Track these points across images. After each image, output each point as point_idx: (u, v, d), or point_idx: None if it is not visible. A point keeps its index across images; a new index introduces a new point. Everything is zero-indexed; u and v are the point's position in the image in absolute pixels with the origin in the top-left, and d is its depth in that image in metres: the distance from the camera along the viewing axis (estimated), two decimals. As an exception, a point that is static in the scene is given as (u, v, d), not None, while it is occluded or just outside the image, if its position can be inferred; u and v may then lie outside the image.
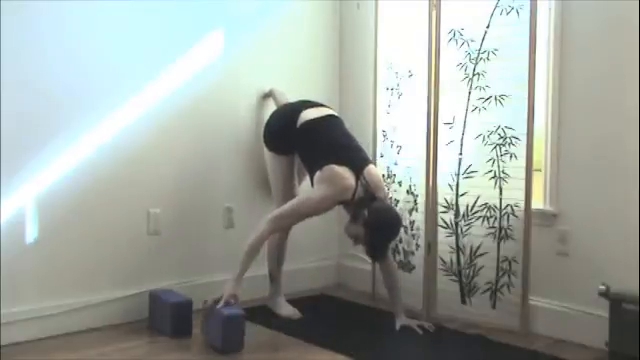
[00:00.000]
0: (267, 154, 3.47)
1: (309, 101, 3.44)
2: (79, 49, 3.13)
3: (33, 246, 3.02)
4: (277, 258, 3.53)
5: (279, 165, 3.42)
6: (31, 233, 3.02)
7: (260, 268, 3.78)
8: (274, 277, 3.55)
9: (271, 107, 3.73)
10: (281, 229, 3.22)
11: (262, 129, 3.53)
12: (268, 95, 3.81)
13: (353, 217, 3.11)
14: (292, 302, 3.55)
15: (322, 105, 3.41)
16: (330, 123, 3.32)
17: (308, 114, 3.29)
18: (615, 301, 2.79)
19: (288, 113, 3.39)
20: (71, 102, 3.11)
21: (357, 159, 3.15)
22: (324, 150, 3.17)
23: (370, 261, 3.62)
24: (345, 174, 3.05)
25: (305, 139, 3.27)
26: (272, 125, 3.45)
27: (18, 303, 2.96)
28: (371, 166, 3.17)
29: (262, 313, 3.47)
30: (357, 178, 3.06)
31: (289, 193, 3.43)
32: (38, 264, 3.04)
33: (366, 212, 3.04)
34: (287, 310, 3.47)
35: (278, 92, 3.77)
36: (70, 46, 3.10)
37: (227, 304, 2.92)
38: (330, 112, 3.37)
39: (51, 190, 3.05)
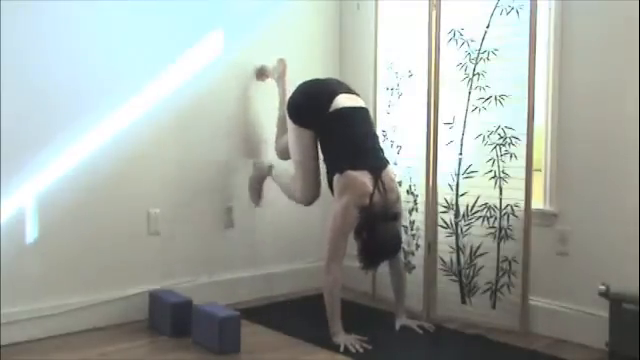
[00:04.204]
0: (290, 126, 3.33)
1: (342, 83, 3.36)
2: (79, 49, 3.13)
3: (33, 246, 3.02)
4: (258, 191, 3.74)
5: (303, 138, 3.29)
6: (31, 233, 3.02)
7: (259, 268, 3.80)
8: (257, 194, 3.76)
9: (271, 101, 3.72)
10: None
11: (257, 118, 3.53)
12: (262, 73, 3.76)
13: (356, 232, 3.04)
14: (292, 302, 3.55)
15: (354, 92, 3.32)
16: (361, 117, 3.22)
17: (343, 101, 3.19)
18: (615, 301, 2.79)
19: (322, 93, 3.24)
20: (71, 102, 3.11)
21: (377, 162, 3.13)
22: (348, 148, 3.12)
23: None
24: (363, 179, 3.02)
25: (333, 126, 3.18)
26: (301, 100, 3.30)
27: (18, 303, 2.96)
28: (388, 168, 3.15)
29: (262, 313, 3.47)
30: (375, 182, 3.04)
31: (312, 168, 3.33)
32: (38, 264, 3.04)
33: (365, 234, 3.00)
34: None
35: (270, 67, 3.75)
36: (70, 46, 3.10)
37: (361, 348, 2.94)
38: (362, 104, 3.27)
39: (51, 190, 3.05)
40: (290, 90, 3.47)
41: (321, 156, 3.31)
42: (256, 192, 3.75)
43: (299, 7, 4.01)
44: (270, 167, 3.66)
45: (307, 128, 3.28)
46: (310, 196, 3.39)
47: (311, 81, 3.41)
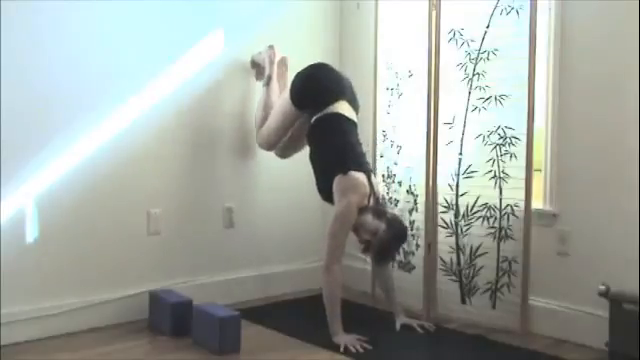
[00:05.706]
0: (285, 98, 3.41)
1: (351, 88, 3.39)
2: (78, 49, 3.13)
3: (33, 246, 3.02)
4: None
5: (290, 115, 3.39)
6: (31, 233, 3.02)
7: (259, 268, 3.80)
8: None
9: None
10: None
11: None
12: (259, 72, 3.76)
13: (376, 214, 3.10)
14: (292, 302, 3.55)
15: (355, 103, 3.38)
16: (350, 129, 3.29)
17: (342, 108, 3.27)
18: (615, 301, 2.79)
19: (330, 90, 3.30)
20: (71, 102, 3.11)
21: (368, 166, 3.25)
22: (347, 150, 3.19)
23: (369, 261, 3.62)
24: (364, 181, 3.11)
25: (327, 127, 3.26)
26: (305, 88, 3.34)
27: (18, 303, 2.96)
28: (371, 172, 3.27)
29: (262, 313, 3.47)
30: (370, 184, 3.14)
31: (279, 137, 3.51)
32: (38, 264, 3.04)
33: (389, 216, 3.14)
34: None
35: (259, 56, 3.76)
36: (69, 46, 3.10)
37: (361, 348, 2.95)
38: (355, 120, 3.34)
39: (51, 190, 3.05)
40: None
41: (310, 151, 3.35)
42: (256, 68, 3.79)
43: (299, 7, 4.01)
44: (269, 78, 3.66)
45: (300, 110, 3.35)
46: (267, 147, 3.61)
47: (328, 70, 3.43)
